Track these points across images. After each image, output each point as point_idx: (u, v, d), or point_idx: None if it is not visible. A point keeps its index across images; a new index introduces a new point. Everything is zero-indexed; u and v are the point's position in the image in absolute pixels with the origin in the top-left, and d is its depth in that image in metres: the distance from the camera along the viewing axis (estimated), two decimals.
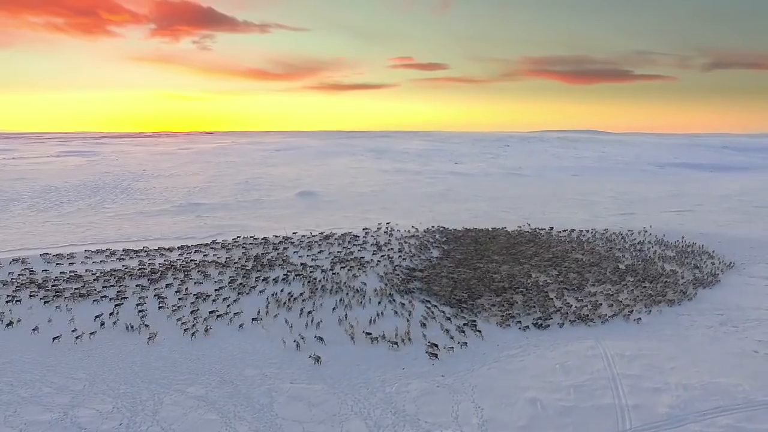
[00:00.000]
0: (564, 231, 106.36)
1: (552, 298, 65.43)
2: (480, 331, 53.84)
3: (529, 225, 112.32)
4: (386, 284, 69.18)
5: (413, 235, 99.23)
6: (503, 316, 58.43)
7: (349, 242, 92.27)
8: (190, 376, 43.90)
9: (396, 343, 50.60)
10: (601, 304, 62.94)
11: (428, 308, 60.51)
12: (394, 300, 63.12)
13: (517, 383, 43.03)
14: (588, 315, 59.37)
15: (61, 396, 40.20)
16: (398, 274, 73.77)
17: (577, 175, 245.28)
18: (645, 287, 70.06)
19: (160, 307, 58.78)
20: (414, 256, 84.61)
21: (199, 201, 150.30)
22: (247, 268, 74.86)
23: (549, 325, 56.41)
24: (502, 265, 79.91)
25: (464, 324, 55.43)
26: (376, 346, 50.80)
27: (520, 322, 57.29)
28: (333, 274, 73.04)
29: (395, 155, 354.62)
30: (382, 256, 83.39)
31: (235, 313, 57.95)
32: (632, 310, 61.14)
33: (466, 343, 50.83)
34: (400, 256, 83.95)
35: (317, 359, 46.70)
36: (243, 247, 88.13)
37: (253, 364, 46.53)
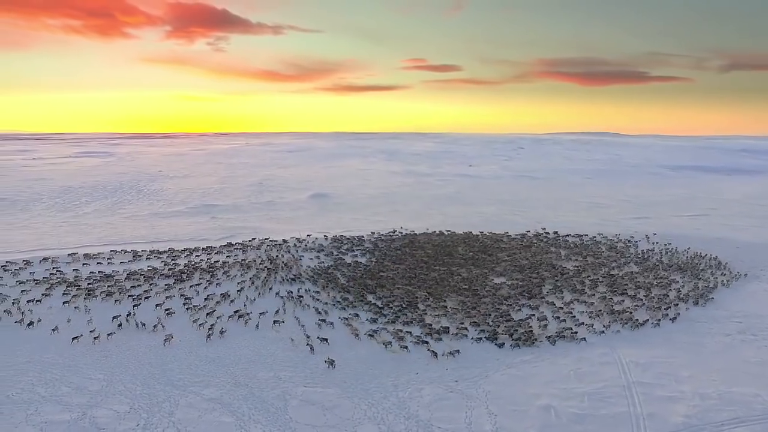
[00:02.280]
0: (570, 236, 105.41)
1: (508, 306, 62.97)
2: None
3: (544, 229, 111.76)
4: (357, 287, 69.72)
5: (392, 238, 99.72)
6: (458, 326, 56.59)
7: (354, 245, 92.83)
8: (205, 378, 44.42)
9: (406, 347, 50.97)
10: (557, 318, 59.61)
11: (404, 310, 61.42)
12: (369, 302, 63.55)
13: (531, 390, 43.00)
14: (531, 332, 54.73)
15: (79, 396, 40.90)
16: (370, 277, 74.36)
17: (589, 178, 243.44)
18: (612, 301, 65.52)
19: (168, 313, 59.54)
20: (388, 257, 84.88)
21: (212, 202, 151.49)
22: (264, 270, 75.50)
23: (504, 343, 52.36)
24: (462, 268, 79.40)
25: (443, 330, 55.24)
26: (389, 349, 50.97)
27: (483, 331, 55.25)
28: (343, 277, 73.44)
29: (406, 157, 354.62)
30: (370, 259, 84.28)
31: (260, 313, 58.98)
32: (576, 331, 55.27)
33: (458, 350, 50.22)
34: (387, 259, 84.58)
35: (331, 363, 46.99)
36: (257, 249, 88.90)
37: (267, 366, 46.95)
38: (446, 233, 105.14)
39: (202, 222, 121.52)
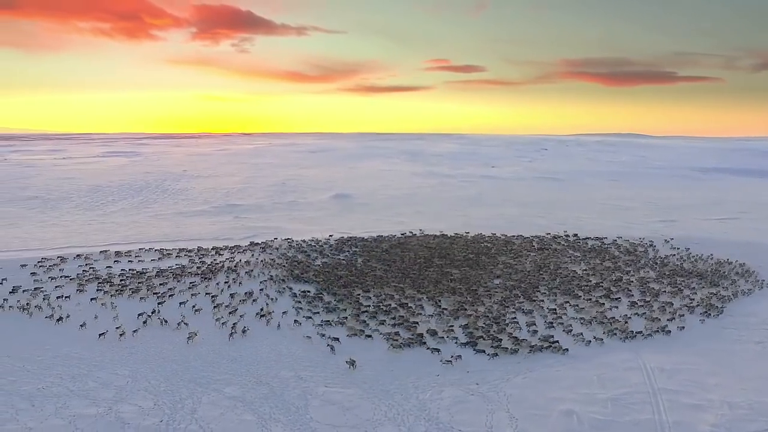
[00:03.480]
0: (590, 238, 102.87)
1: (500, 310, 61.22)
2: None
3: (565, 232, 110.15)
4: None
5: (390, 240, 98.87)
6: (445, 329, 55.46)
7: (354, 245, 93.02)
8: (227, 376, 44.95)
9: (408, 345, 51.04)
10: (548, 325, 57.18)
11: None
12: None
13: (552, 394, 42.48)
14: (515, 340, 52.53)
15: (106, 391, 41.80)
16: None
17: (614, 180, 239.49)
18: (608, 308, 62.54)
19: (195, 310, 60.37)
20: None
21: (236, 202, 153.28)
22: (284, 270, 76.13)
23: (483, 350, 50.63)
24: (456, 269, 78.40)
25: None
26: (412, 350, 50.85)
27: (471, 334, 54.36)
28: (363, 277, 73.57)
29: (428, 158, 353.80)
30: (353, 259, 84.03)
31: (282, 312, 59.58)
32: (557, 340, 52.51)
33: (460, 356, 49.25)
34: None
35: (352, 363, 47.12)
36: (277, 249, 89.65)
37: (288, 366, 47.29)
38: (450, 236, 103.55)
39: (226, 221, 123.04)
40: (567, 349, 51.29)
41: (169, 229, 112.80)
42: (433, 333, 54.27)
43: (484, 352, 50.46)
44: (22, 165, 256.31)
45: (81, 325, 54.18)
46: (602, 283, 73.90)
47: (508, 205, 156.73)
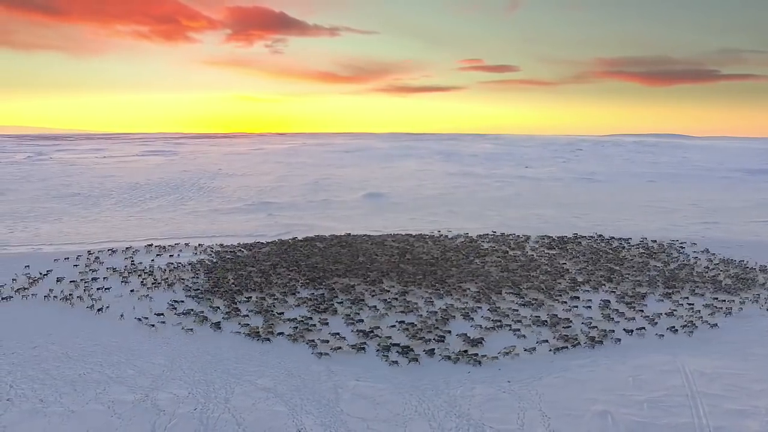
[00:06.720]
0: (614, 239, 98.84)
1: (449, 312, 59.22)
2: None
3: (596, 232, 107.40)
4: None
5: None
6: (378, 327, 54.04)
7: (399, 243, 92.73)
8: (259, 368, 45.58)
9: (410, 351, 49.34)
10: (490, 328, 54.60)
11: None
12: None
13: (586, 394, 41.50)
14: (442, 342, 50.75)
15: (142, 378, 42.97)
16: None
17: (653, 182, 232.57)
18: (558, 317, 57.45)
19: (235, 301, 61.46)
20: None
21: (270, 200, 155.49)
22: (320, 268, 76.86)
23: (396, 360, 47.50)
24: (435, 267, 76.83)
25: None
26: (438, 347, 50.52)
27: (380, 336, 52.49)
28: (395, 276, 73.51)
29: (463, 158, 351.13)
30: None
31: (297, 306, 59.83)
32: (477, 342, 49.96)
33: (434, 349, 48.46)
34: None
35: (385, 356, 47.16)
36: (311, 244, 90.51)
37: (319, 359, 47.68)
38: (447, 236, 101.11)
39: (260, 218, 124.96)
40: (496, 358, 47.78)
41: (205, 225, 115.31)
42: (366, 333, 52.46)
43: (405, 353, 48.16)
44: (66, 164, 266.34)
45: (120, 316, 55.89)
46: (581, 286, 69.82)
47: (544, 205, 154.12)
